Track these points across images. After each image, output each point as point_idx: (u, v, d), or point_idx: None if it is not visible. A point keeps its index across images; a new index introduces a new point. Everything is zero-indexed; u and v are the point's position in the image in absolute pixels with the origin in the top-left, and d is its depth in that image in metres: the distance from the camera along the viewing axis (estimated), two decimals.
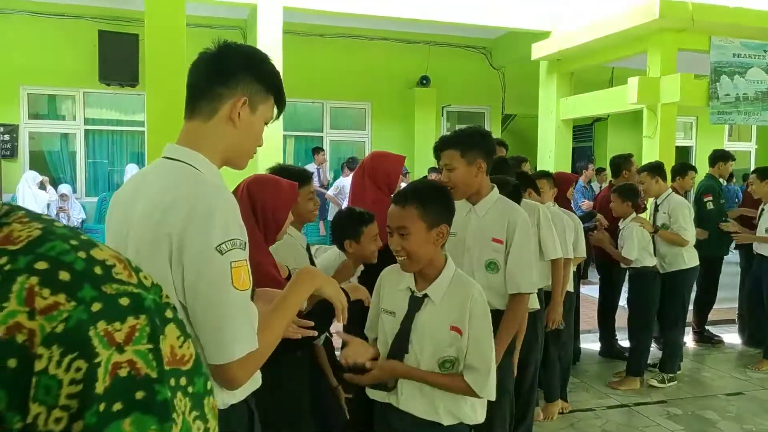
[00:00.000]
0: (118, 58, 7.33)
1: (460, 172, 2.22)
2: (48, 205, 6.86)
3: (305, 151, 8.95)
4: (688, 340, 5.11)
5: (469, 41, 9.24)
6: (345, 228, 2.39)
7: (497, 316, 2.09)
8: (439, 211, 1.70)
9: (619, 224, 4.18)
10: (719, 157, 5.32)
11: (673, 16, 5.88)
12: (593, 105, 7.34)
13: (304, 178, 2.30)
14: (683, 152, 9.93)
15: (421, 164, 8.46)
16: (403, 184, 2.33)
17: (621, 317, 4.60)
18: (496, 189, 2.31)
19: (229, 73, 1.22)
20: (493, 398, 1.70)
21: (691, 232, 4.16)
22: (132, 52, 7.32)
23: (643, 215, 4.46)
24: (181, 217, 1.09)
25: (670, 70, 6.17)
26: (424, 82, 9.00)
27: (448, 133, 2.78)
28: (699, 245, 5.20)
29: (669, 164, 5.57)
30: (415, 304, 1.72)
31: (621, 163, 4.76)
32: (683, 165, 5.26)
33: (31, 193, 6.68)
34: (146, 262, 1.12)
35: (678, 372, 4.25)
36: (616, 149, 6.16)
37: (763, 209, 4.58)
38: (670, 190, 4.40)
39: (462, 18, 7.08)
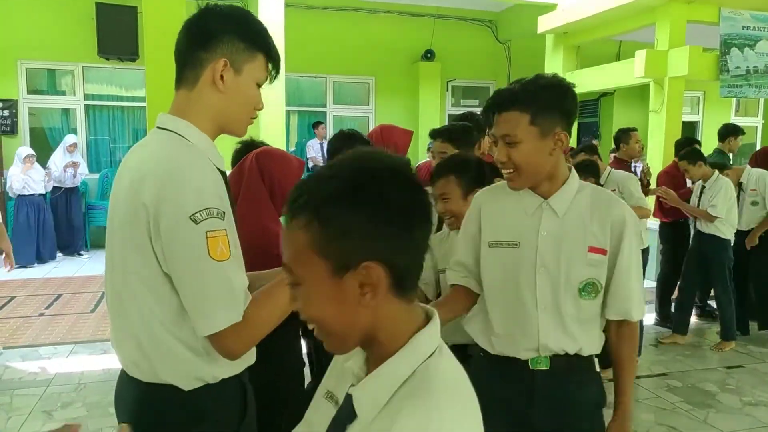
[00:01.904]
0: (117, 32, 7.23)
1: (527, 147, 1.43)
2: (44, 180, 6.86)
3: (308, 127, 8.90)
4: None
5: (475, 14, 9.09)
6: None
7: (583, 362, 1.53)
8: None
9: None
10: (730, 131, 5.26)
11: None
12: (600, 79, 7.25)
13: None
14: (690, 127, 9.83)
15: (425, 139, 8.39)
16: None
17: None
18: (575, 173, 1.53)
19: (209, 35, 1.16)
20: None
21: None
22: (131, 25, 7.20)
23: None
24: (156, 187, 1.06)
25: (678, 42, 6.07)
26: (429, 56, 8.89)
27: (454, 108, 2.57)
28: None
29: (674, 139, 5.54)
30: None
31: (620, 136, 4.72)
32: (688, 139, 5.22)
33: (18, 170, 6.67)
34: (127, 233, 1.10)
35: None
36: (621, 124, 6.08)
37: (704, 186, 4.35)
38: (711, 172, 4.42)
39: None
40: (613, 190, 4.09)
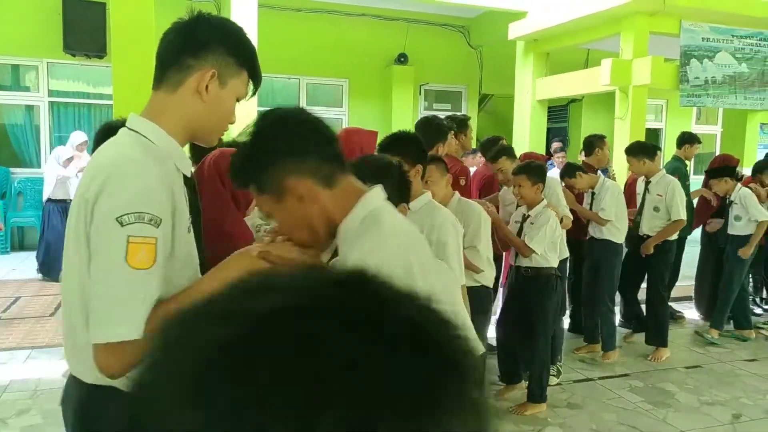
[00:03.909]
0: (84, 28, 7.05)
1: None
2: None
3: None
4: None
5: (448, 19, 9.19)
6: None
7: None
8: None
9: (528, 212, 3.38)
10: (686, 139, 5.45)
11: None
12: (568, 86, 7.41)
13: None
14: (653, 134, 10.12)
15: None
16: None
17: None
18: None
19: (200, 44, 1.17)
20: None
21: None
22: (98, 21, 7.03)
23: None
24: (98, 184, 1.05)
25: (642, 53, 6.26)
26: (402, 59, 8.94)
27: (426, 111, 2.72)
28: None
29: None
30: None
31: (594, 141, 4.79)
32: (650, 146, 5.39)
33: (57, 169, 5.94)
34: (72, 232, 1.10)
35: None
36: (590, 130, 6.24)
37: (593, 193, 4.24)
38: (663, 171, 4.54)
39: None
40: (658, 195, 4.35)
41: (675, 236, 4.45)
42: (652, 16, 6.26)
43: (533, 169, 3.28)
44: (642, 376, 4.03)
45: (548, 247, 3.23)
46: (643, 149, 4.45)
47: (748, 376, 4.07)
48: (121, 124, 1.22)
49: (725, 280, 4.82)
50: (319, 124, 1.12)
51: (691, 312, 5.45)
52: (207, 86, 1.16)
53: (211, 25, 1.20)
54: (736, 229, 4.74)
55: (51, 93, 7.74)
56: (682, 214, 4.31)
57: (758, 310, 5.63)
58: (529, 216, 3.31)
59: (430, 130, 3.15)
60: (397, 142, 2.26)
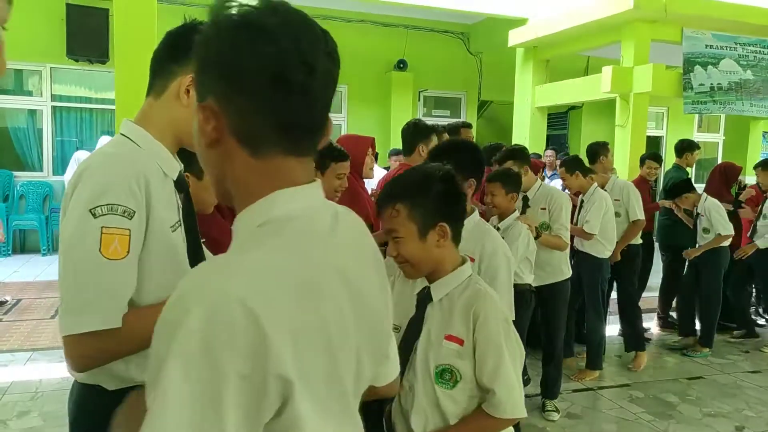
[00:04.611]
0: (87, 33, 7.09)
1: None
2: None
3: None
4: (653, 325, 5.27)
5: (447, 26, 9.20)
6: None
7: None
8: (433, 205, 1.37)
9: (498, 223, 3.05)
10: (686, 147, 5.44)
11: (646, 6, 5.95)
12: (568, 93, 7.41)
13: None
14: (654, 142, 10.11)
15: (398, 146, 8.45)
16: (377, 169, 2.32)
17: None
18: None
19: (184, 50, 1.17)
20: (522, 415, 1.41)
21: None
22: (102, 27, 7.08)
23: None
24: (74, 179, 1.09)
25: (642, 60, 6.25)
26: (401, 65, 8.95)
27: (426, 118, 2.60)
28: (665, 234, 5.34)
29: (640, 153, 5.70)
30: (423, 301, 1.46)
31: (598, 149, 4.75)
32: (651, 154, 5.39)
33: None
34: (62, 224, 1.12)
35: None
36: (589, 138, 6.24)
37: (582, 200, 4.04)
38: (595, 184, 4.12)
39: (440, 2, 7.04)
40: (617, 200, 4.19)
41: (640, 240, 4.40)
42: (653, 23, 6.26)
43: (509, 177, 3.07)
44: (642, 387, 4.00)
45: (522, 264, 2.95)
46: (575, 163, 4.12)
47: (751, 388, 4.03)
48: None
49: (707, 296, 4.61)
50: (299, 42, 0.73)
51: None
52: (188, 91, 1.19)
53: (197, 32, 1.19)
54: (705, 241, 4.55)
55: (54, 97, 7.77)
56: (640, 215, 4.27)
57: (761, 321, 5.59)
58: (499, 229, 2.95)
59: (409, 130, 3.15)
60: (450, 151, 2.04)
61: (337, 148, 2.39)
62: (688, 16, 6.19)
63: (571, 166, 4.03)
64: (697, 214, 4.63)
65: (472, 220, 1.99)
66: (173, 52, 1.19)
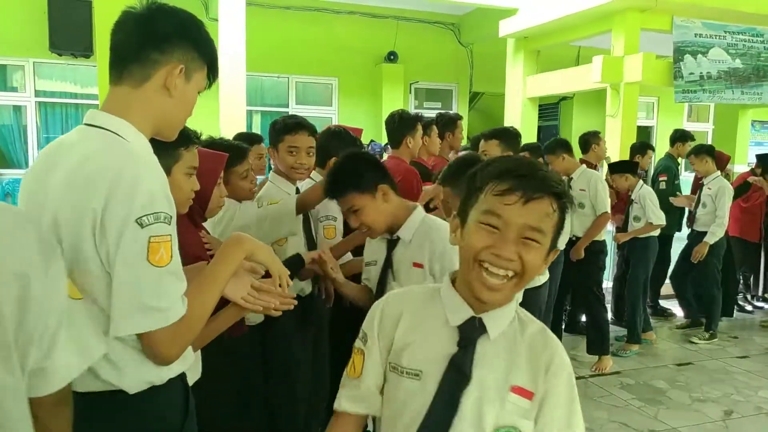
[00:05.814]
0: (70, 27, 6.95)
1: None
2: None
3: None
4: (675, 308, 5.30)
5: (438, 17, 9.15)
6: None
7: None
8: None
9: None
10: (679, 137, 5.45)
11: None
12: (559, 83, 7.39)
13: (237, 154, 2.10)
14: (644, 132, 10.13)
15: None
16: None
17: None
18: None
19: (164, 37, 1.15)
20: None
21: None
22: (85, 20, 6.92)
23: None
24: (106, 188, 1.04)
25: (633, 49, 6.24)
26: (392, 57, 8.90)
27: (417, 110, 2.56)
28: None
29: (630, 143, 5.71)
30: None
31: (589, 138, 4.78)
32: (642, 144, 5.40)
33: None
34: (68, 232, 1.07)
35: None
36: (581, 128, 6.22)
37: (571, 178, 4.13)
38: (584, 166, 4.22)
39: None
40: (582, 190, 4.04)
41: (603, 236, 4.21)
42: (643, 12, 6.24)
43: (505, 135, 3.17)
44: (633, 374, 4.02)
45: None
46: (562, 145, 4.19)
47: (739, 373, 4.06)
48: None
49: (629, 282, 4.49)
50: None
51: (680, 309, 5.45)
52: (175, 81, 1.16)
53: (171, 17, 1.17)
54: (580, 221, 4.19)
55: (38, 93, 7.66)
56: (607, 207, 4.11)
57: (749, 307, 5.63)
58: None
59: (394, 123, 3.11)
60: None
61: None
62: (678, 4, 6.18)
63: (555, 148, 4.08)
64: (631, 200, 4.48)
65: (417, 218, 1.84)
66: (152, 39, 1.14)
